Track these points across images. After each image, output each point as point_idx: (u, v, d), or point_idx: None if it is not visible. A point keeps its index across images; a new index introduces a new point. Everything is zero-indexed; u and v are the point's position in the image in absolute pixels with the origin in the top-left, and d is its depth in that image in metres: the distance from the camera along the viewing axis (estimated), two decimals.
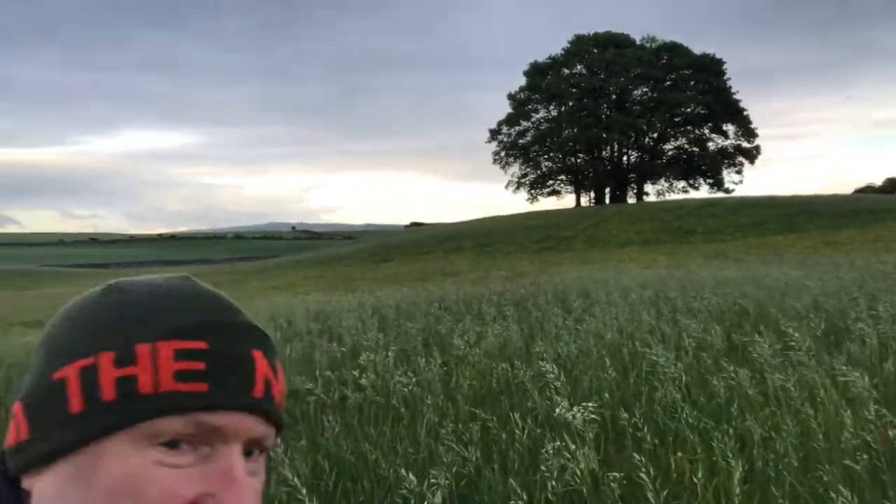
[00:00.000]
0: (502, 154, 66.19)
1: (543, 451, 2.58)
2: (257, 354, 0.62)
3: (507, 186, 67.39)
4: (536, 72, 65.59)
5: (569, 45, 65.72)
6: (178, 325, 0.59)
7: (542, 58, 66.54)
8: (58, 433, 0.57)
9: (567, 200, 68.06)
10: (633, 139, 65.14)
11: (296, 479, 2.13)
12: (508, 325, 5.72)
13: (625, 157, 67.17)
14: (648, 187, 67.35)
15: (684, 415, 2.91)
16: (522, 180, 66.90)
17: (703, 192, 64.00)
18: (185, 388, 0.57)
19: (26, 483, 0.59)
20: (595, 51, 64.41)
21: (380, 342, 5.74)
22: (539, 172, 67.14)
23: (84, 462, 0.56)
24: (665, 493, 2.36)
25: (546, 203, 68.62)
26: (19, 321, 16.06)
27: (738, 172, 63.67)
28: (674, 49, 63.61)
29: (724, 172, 63.60)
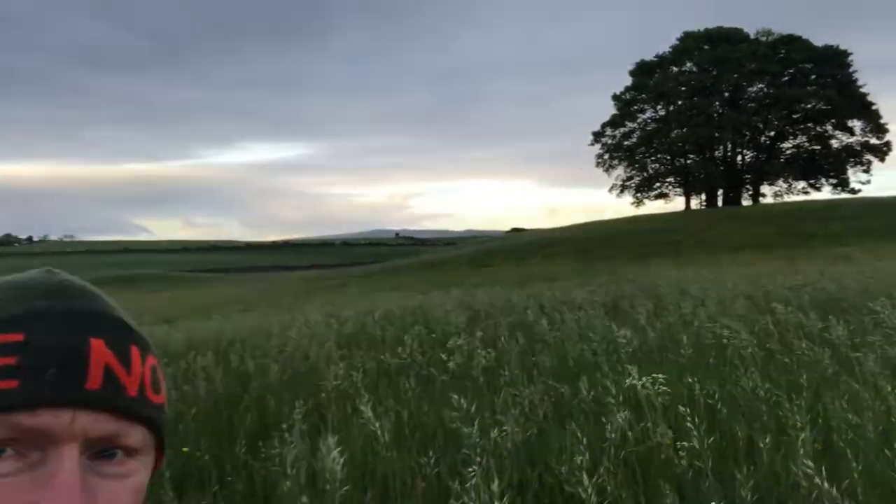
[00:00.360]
0: (606, 157, 64.75)
1: (606, 420, 2.68)
2: (96, 343, 0.55)
3: (610, 190, 65.87)
4: (643, 71, 63.77)
5: (677, 43, 63.43)
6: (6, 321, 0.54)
7: (648, 57, 64.68)
8: None
9: (675, 203, 65.63)
10: (747, 138, 61.86)
11: (377, 425, 2.38)
12: (597, 312, 5.77)
13: (739, 157, 63.91)
14: (765, 189, 63.67)
15: (756, 387, 2.91)
16: (627, 183, 65.14)
17: (826, 192, 59.73)
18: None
19: None
20: (706, 47, 61.75)
21: (467, 329, 5.98)
22: (645, 175, 65.11)
23: None
24: (732, 462, 2.41)
25: (653, 206, 66.41)
26: (150, 318, 17.66)
27: (866, 171, 58.87)
28: (791, 42, 59.87)
29: (850, 171, 59.04)
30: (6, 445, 0.52)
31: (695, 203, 64.18)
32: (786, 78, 59.22)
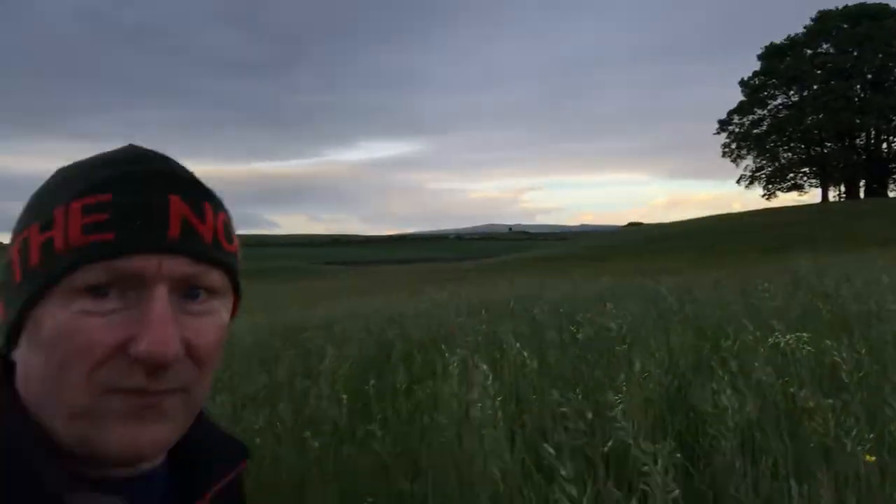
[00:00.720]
0: (733, 146, 61.41)
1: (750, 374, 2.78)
2: (173, 199, 0.63)
3: (738, 181, 62.45)
4: (773, 54, 59.90)
5: (812, 23, 58.99)
6: (88, 183, 0.62)
7: (778, 39, 60.61)
8: (12, 305, 0.63)
9: (811, 196, 61.19)
10: (894, 124, 56.57)
11: (525, 354, 2.63)
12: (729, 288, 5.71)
13: (884, 145, 58.60)
14: None
15: None
16: (757, 174, 61.54)
17: None
18: (92, 239, 0.60)
19: (14, 356, 0.64)
20: (845, 26, 57.02)
21: (591, 307, 6.12)
22: (777, 165, 61.21)
23: (31, 325, 0.61)
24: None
25: (785, 199, 62.32)
26: (285, 306, 19.00)
27: None
28: None
29: None
30: (108, 288, 0.60)
31: (833, 195, 59.64)
32: None
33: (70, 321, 0.59)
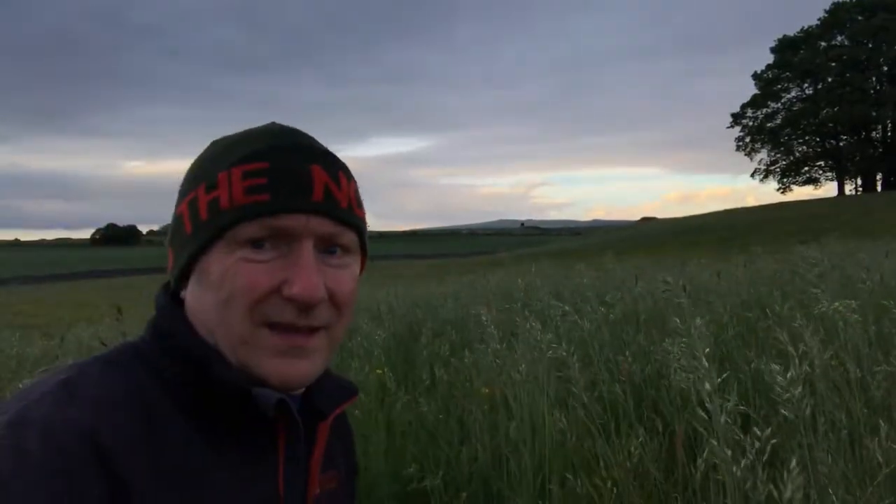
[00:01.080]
0: (747, 140, 60.90)
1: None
2: (316, 168, 0.74)
3: (753, 175, 61.96)
4: (787, 47, 59.30)
5: (825, 15, 58.33)
6: (247, 152, 0.74)
7: (791, 31, 59.99)
8: (183, 252, 0.75)
9: (826, 189, 60.68)
10: None
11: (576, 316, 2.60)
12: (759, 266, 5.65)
13: None
14: None
15: None
16: (772, 168, 61.04)
17: None
18: (252, 199, 0.71)
19: (182, 294, 0.79)
20: (860, 18, 56.36)
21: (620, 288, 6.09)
22: (792, 158, 60.66)
23: (200, 269, 0.74)
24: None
25: (801, 192, 61.88)
26: None
27: None
28: None
29: None
30: (265, 240, 0.71)
31: (849, 188, 59.00)
32: None
33: (233, 266, 0.71)
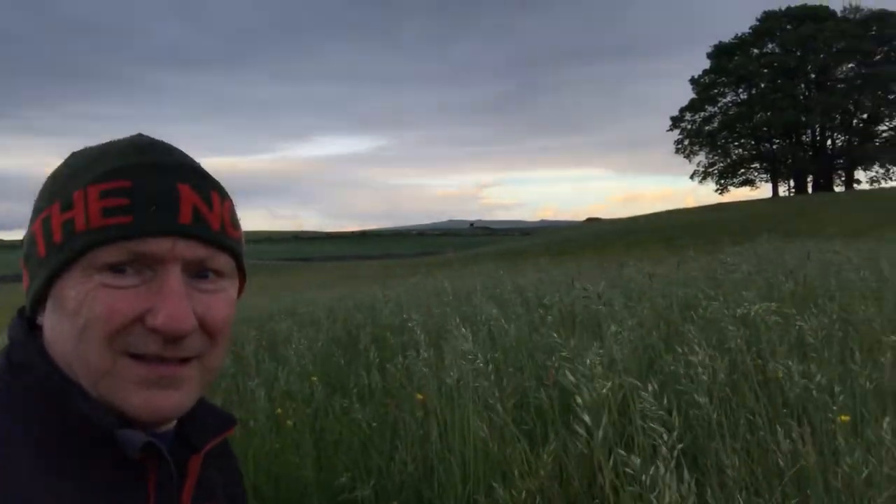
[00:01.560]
0: (686, 143, 62.87)
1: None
2: (183, 188, 0.69)
3: (692, 177, 63.96)
4: (722, 53, 61.48)
5: (758, 23, 60.73)
6: (106, 170, 0.69)
7: (726, 38, 62.21)
8: (38, 275, 0.70)
9: (762, 190, 63.05)
10: (838, 121, 58.67)
11: (502, 320, 2.63)
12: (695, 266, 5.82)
13: (829, 141, 60.72)
14: (860, 174, 60.22)
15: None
16: (710, 170, 63.13)
17: None
18: (112, 222, 0.66)
19: (39, 320, 0.73)
20: (789, 27, 58.88)
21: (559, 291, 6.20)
22: (728, 161, 62.92)
23: (56, 295, 0.69)
24: None
25: (738, 193, 64.07)
26: (243, 299, 18.69)
27: None
28: (884, 18, 56.10)
29: None
30: (126, 265, 0.67)
31: (782, 189, 61.53)
32: (878, 57, 55.64)
33: (91, 292, 0.66)
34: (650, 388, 1.95)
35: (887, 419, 1.96)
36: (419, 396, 3.15)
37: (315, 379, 3.82)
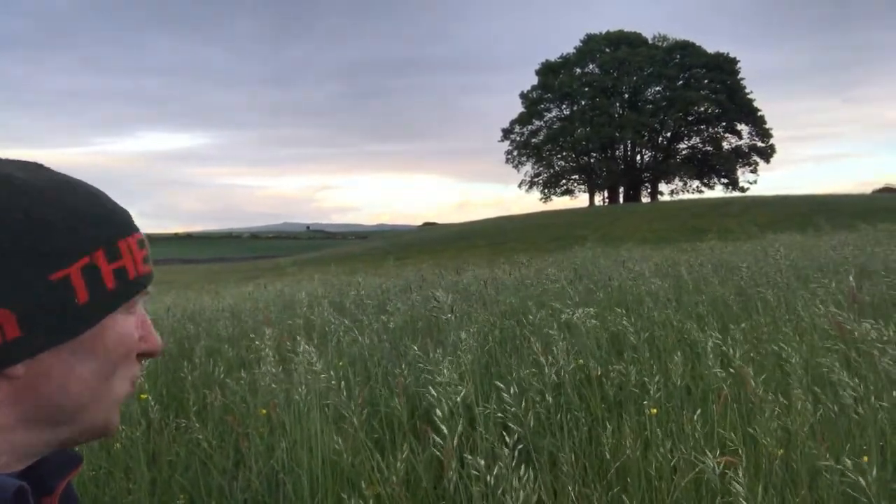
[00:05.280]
0: (515, 153, 66.61)
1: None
2: None
3: (520, 185, 67.78)
4: (548, 71, 65.93)
5: (581, 45, 66.01)
6: (129, 221, 0.78)
7: (554, 57, 66.91)
8: (67, 322, 0.69)
9: (581, 200, 68.35)
10: (646, 138, 65.23)
11: (356, 333, 2.66)
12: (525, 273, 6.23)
13: (638, 157, 67.36)
14: (663, 186, 67.50)
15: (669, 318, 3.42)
16: (535, 179, 67.28)
17: (719, 191, 64.06)
18: (146, 270, 0.77)
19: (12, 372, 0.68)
20: (607, 50, 64.67)
21: (400, 296, 6.33)
22: (552, 172, 67.44)
23: (88, 338, 0.71)
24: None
25: (559, 202, 68.94)
26: None
27: (753, 171, 63.75)
28: (687, 48, 63.71)
29: (739, 172, 63.66)
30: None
31: (598, 200, 67.10)
32: (681, 82, 62.94)
33: (129, 329, 0.76)
34: (492, 393, 2.09)
35: (698, 412, 2.27)
36: (263, 412, 3.08)
37: (144, 397, 3.60)
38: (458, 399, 1.94)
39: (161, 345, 0.81)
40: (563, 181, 67.85)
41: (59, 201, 0.72)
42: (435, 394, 1.94)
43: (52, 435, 0.73)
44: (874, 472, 1.73)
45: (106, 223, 0.75)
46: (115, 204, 0.79)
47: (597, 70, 65.17)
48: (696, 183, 65.77)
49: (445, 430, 1.76)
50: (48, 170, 0.77)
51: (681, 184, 66.36)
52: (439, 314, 3.12)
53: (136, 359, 0.78)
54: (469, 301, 4.88)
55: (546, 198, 67.54)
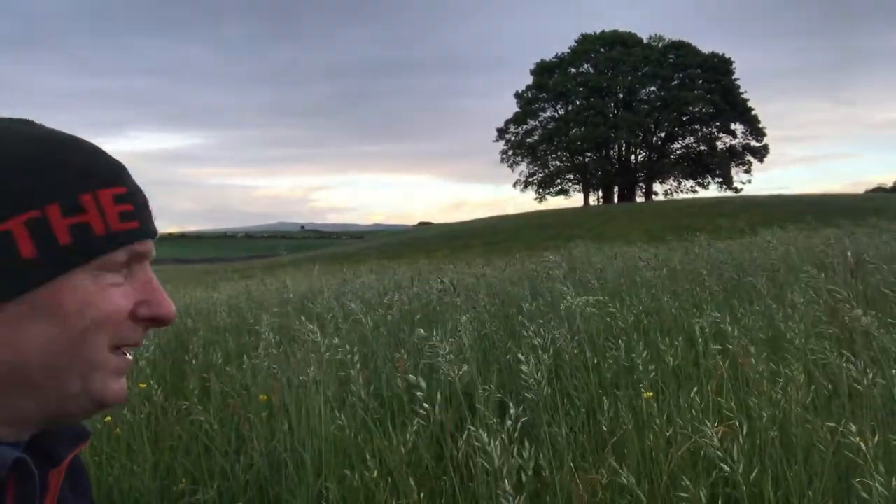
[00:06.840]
0: (510, 153, 66.65)
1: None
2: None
3: (515, 185, 67.85)
4: (543, 71, 66.01)
5: (575, 44, 66.14)
6: (105, 173, 0.72)
7: (549, 57, 67.01)
8: (8, 277, 0.65)
9: (575, 199, 68.47)
10: (640, 138, 65.38)
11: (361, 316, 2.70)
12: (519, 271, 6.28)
13: (633, 156, 67.51)
14: (657, 186, 67.66)
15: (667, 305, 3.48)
16: (530, 179, 67.34)
17: (713, 190, 64.28)
18: (126, 227, 0.70)
19: None
20: (602, 50, 64.83)
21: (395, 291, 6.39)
22: (547, 171, 67.52)
23: (39, 299, 0.66)
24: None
25: (554, 202, 69.09)
26: None
27: (747, 171, 63.97)
28: (681, 48, 63.88)
29: (733, 171, 63.85)
30: (122, 266, 0.71)
31: (593, 199, 67.23)
32: (676, 82, 63.10)
33: (99, 292, 0.69)
34: (493, 373, 2.13)
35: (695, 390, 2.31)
36: (263, 397, 3.11)
37: (145, 385, 3.63)
38: (459, 373, 1.98)
39: (172, 310, 0.74)
40: (558, 181, 67.92)
41: (13, 154, 0.68)
42: (442, 368, 1.97)
43: (28, 402, 0.68)
44: (876, 438, 1.79)
45: (70, 175, 0.69)
46: (97, 156, 0.73)
47: (591, 70, 65.27)
48: (690, 183, 65.98)
49: (437, 405, 1.80)
50: (32, 124, 0.73)
51: (675, 183, 66.57)
52: (444, 297, 3.15)
53: (132, 324, 0.72)
54: (468, 291, 4.93)
55: (541, 197, 67.64)
